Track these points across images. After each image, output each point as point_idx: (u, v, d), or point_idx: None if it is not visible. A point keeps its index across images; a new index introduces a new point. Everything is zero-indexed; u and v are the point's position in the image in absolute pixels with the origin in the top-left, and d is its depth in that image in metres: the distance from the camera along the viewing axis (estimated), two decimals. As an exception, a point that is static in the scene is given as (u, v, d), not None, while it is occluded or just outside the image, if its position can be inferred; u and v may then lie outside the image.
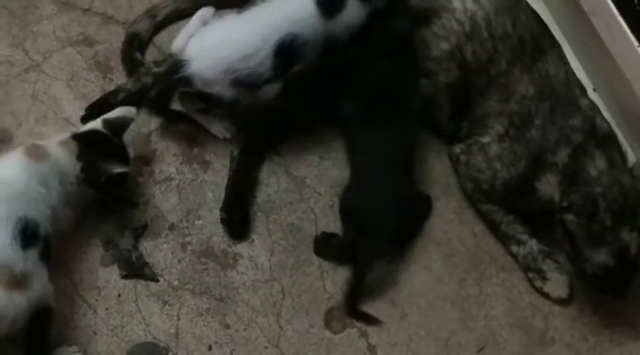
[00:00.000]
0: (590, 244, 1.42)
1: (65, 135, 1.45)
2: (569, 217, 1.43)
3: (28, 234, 1.28)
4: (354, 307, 1.46)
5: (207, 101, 1.55)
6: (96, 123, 1.47)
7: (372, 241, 1.47)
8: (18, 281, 1.24)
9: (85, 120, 1.57)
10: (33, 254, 1.28)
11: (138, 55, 1.69)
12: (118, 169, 1.42)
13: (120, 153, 1.47)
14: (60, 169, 1.38)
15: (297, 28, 1.49)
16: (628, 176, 1.46)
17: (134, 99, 1.60)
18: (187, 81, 1.49)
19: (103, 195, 1.47)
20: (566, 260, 1.49)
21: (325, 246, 1.53)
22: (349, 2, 1.52)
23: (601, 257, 1.41)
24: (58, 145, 1.41)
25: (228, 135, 1.62)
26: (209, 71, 1.49)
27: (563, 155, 1.49)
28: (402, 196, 1.49)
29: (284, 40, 1.49)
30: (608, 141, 1.51)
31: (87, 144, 1.42)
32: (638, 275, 1.44)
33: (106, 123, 1.47)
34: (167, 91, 1.57)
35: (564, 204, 1.45)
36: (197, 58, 1.49)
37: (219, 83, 1.50)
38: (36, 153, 1.36)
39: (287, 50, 1.49)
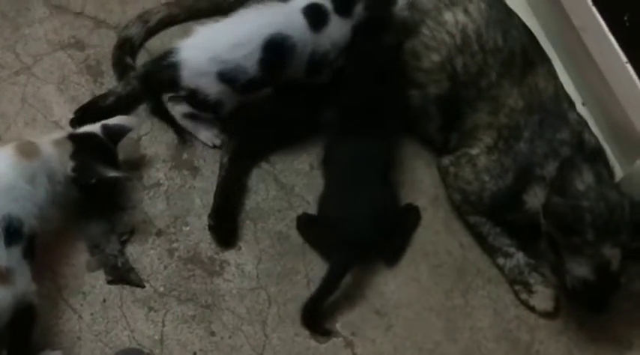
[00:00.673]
0: (571, 256, 1.42)
1: (62, 133, 1.45)
2: (550, 227, 1.44)
3: (11, 232, 1.28)
4: (312, 318, 1.46)
5: (193, 102, 1.55)
6: (94, 127, 1.47)
7: (343, 252, 1.47)
8: (2, 276, 1.24)
9: (73, 123, 1.57)
10: (16, 251, 1.28)
11: (129, 60, 1.69)
12: (111, 173, 1.42)
13: (112, 159, 1.47)
14: (50, 168, 1.38)
15: (288, 30, 1.51)
16: (615, 192, 1.46)
17: (124, 102, 1.60)
18: (175, 67, 1.51)
19: (88, 198, 1.46)
20: (550, 272, 1.49)
21: (306, 227, 1.54)
22: (332, 18, 1.55)
23: (581, 270, 1.41)
24: (51, 144, 1.41)
25: (217, 143, 1.62)
26: (197, 58, 1.51)
27: (550, 168, 1.50)
28: (377, 207, 1.49)
29: (274, 37, 1.51)
30: (596, 155, 1.52)
31: (82, 145, 1.43)
32: (620, 290, 1.44)
33: (105, 128, 1.47)
34: (159, 80, 1.57)
35: (546, 210, 1.45)
36: (187, 46, 1.52)
37: (205, 75, 1.51)
38: (27, 151, 1.37)
39: (275, 48, 1.51)
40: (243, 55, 1.50)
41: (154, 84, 1.58)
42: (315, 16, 1.54)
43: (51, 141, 1.41)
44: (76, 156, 1.41)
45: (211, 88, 1.52)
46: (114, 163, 1.47)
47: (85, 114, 1.59)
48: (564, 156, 1.49)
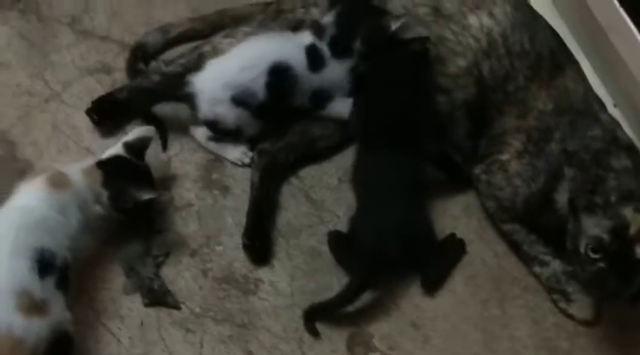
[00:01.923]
0: (590, 217, 1.37)
1: (89, 161, 1.46)
2: (568, 171, 1.43)
3: (44, 264, 1.30)
4: (311, 318, 1.46)
5: (214, 131, 1.59)
6: (117, 148, 1.48)
7: (364, 267, 1.46)
8: (38, 307, 1.26)
9: (89, 113, 1.61)
10: (50, 283, 1.30)
11: (141, 66, 1.70)
12: (147, 195, 1.44)
13: (145, 177, 1.48)
14: (81, 198, 1.40)
15: (290, 61, 1.56)
16: None
17: (140, 95, 1.63)
18: (192, 98, 1.56)
19: (130, 219, 1.48)
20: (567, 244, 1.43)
21: (336, 245, 1.54)
22: (330, 62, 1.59)
23: (596, 230, 1.36)
24: (81, 173, 1.42)
25: (246, 161, 1.62)
26: (212, 87, 1.55)
27: (581, 160, 1.47)
28: (403, 226, 1.47)
29: (278, 64, 1.55)
30: (632, 149, 1.49)
31: (111, 171, 1.44)
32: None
33: (127, 146, 1.48)
34: (158, 96, 1.62)
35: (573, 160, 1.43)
36: (201, 78, 1.56)
37: (221, 102, 1.55)
38: (57, 182, 1.38)
39: (279, 74, 1.55)
40: (250, 78, 1.54)
41: (151, 100, 1.62)
42: (313, 59, 1.58)
43: (80, 170, 1.43)
44: (108, 184, 1.42)
45: (229, 114, 1.56)
46: (146, 180, 1.48)
47: (100, 106, 1.62)
48: (596, 148, 1.46)
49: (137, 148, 1.49)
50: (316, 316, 1.46)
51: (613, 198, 1.37)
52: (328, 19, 1.60)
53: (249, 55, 1.56)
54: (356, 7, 1.60)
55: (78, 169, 1.43)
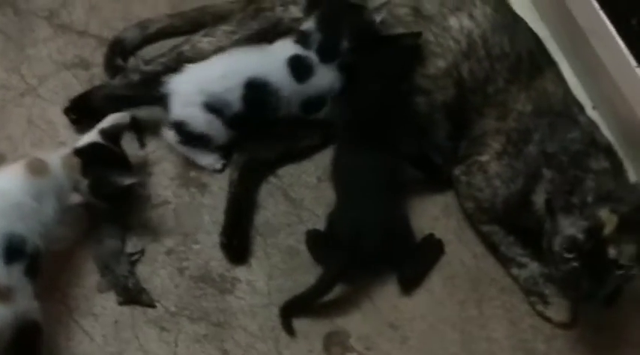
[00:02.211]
0: (566, 217, 1.37)
1: (66, 150, 1.45)
2: (547, 172, 1.43)
3: (12, 250, 1.27)
4: (288, 314, 1.45)
5: (181, 132, 1.56)
6: (93, 135, 1.47)
7: (338, 257, 1.45)
8: (1, 294, 1.24)
9: (67, 112, 1.59)
10: (17, 269, 1.28)
11: (119, 61, 1.68)
12: (128, 181, 1.43)
13: (123, 162, 1.47)
14: (58, 185, 1.38)
15: (268, 76, 1.54)
16: (630, 183, 1.44)
17: (119, 94, 1.61)
18: (165, 100, 1.53)
19: (109, 207, 1.46)
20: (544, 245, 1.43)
21: (314, 244, 1.53)
22: (318, 68, 1.56)
23: (572, 229, 1.36)
24: (59, 161, 1.41)
25: (217, 167, 1.61)
26: (186, 89, 1.53)
27: (560, 162, 1.47)
28: (381, 222, 1.47)
29: (254, 79, 1.53)
30: (610, 151, 1.50)
31: (89, 159, 1.42)
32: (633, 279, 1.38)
33: (103, 133, 1.47)
34: (133, 100, 1.59)
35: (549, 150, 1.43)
36: (177, 80, 1.54)
37: (192, 105, 1.52)
38: (36, 169, 1.37)
39: (256, 89, 1.53)
40: (225, 88, 1.52)
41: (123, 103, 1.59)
42: (298, 69, 1.55)
43: (59, 157, 1.42)
44: (87, 172, 1.41)
45: (198, 117, 1.53)
46: (125, 165, 1.47)
47: (78, 104, 1.60)
48: (574, 150, 1.47)
49: (113, 135, 1.48)
50: (292, 311, 1.45)
51: (590, 199, 1.37)
52: (309, 24, 1.57)
53: (226, 67, 1.54)
54: (335, 8, 1.59)
55: (57, 157, 1.41)
